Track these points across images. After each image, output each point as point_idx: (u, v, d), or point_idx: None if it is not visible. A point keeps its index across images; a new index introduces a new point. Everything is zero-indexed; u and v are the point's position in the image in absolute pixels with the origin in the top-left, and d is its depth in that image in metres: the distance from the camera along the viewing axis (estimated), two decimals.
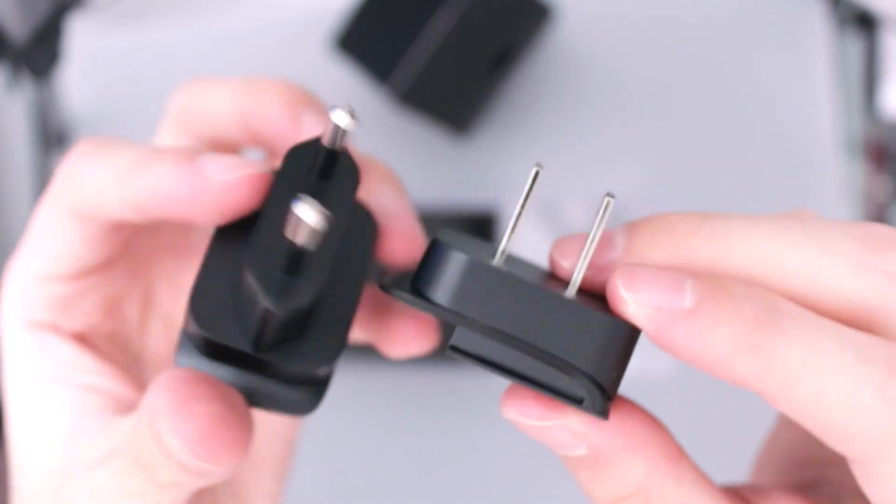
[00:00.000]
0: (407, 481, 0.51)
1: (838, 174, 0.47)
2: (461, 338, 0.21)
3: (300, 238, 0.19)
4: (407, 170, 0.53)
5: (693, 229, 0.20)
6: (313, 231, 0.19)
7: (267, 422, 0.28)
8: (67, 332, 0.26)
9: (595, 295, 0.21)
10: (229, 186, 0.22)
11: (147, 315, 0.28)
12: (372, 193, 0.26)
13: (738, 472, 0.26)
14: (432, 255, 0.20)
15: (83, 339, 0.26)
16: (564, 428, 0.21)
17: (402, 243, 0.26)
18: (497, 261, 0.20)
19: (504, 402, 0.21)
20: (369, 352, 0.48)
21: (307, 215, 0.19)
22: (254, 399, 0.24)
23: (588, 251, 0.20)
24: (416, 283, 0.21)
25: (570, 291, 0.21)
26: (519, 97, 0.49)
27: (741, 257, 0.20)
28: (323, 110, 0.25)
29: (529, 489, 0.49)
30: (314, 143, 0.22)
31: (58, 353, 0.25)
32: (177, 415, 0.22)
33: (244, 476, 0.28)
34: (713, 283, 0.19)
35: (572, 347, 0.20)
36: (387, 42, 0.45)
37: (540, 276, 0.22)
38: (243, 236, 0.22)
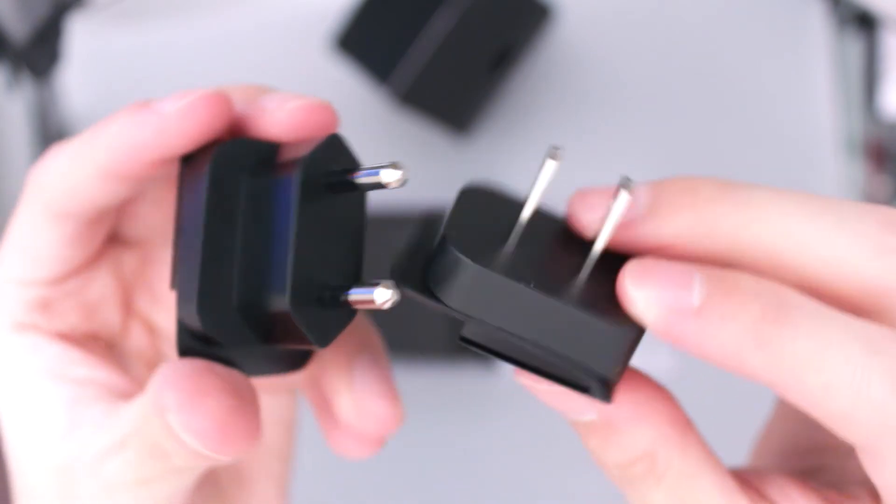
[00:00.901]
0: (407, 481, 0.51)
1: (838, 174, 0.47)
2: (471, 330, 0.21)
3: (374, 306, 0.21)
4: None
5: (717, 195, 0.21)
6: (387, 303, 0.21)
7: (264, 404, 0.28)
8: (51, 332, 0.26)
9: (611, 264, 0.21)
10: (186, 112, 0.23)
11: (127, 318, 0.28)
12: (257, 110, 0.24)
13: (739, 459, 0.26)
14: (441, 255, 0.21)
15: (66, 337, 0.26)
16: (576, 393, 0.21)
17: (297, 115, 0.24)
18: (512, 242, 0.21)
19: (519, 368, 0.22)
20: None
21: (384, 296, 0.21)
22: (250, 367, 0.24)
23: (603, 238, 0.21)
24: (426, 275, 0.21)
25: (584, 274, 0.21)
26: (519, 97, 0.49)
27: (762, 229, 0.20)
28: (277, 92, 0.25)
29: (529, 488, 0.49)
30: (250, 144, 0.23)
31: (47, 351, 0.26)
32: (187, 411, 0.22)
33: (246, 459, 0.29)
34: (721, 277, 0.20)
35: (577, 349, 0.20)
36: (387, 42, 0.45)
37: (556, 242, 0.22)
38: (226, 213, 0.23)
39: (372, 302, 0.21)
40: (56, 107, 0.55)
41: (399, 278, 0.21)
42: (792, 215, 0.20)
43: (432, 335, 0.48)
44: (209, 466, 0.24)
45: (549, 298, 0.20)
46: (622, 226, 0.21)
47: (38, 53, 0.47)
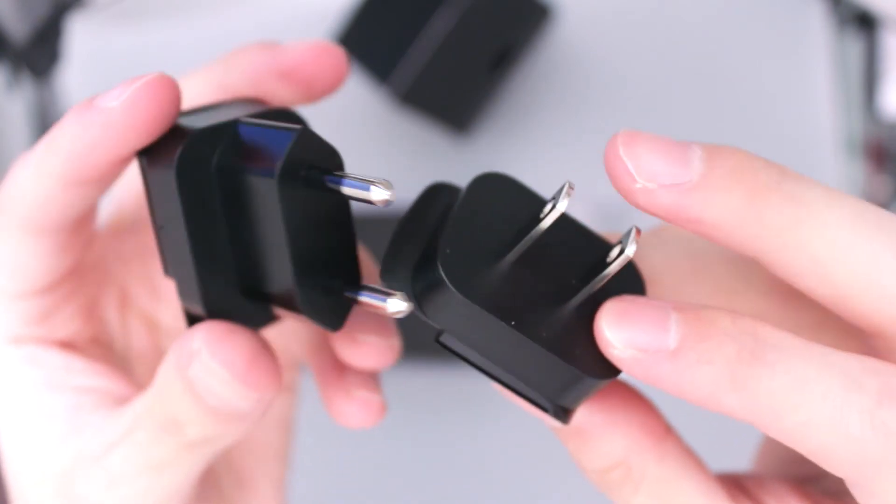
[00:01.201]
0: (406, 481, 0.51)
1: (838, 174, 0.47)
2: (448, 338, 0.21)
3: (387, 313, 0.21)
4: (407, 170, 0.53)
5: (774, 183, 0.20)
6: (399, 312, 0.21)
7: None
8: (52, 341, 0.26)
9: (609, 288, 0.21)
10: (129, 105, 0.22)
11: (126, 317, 0.28)
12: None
13: (743, 463, 0.26)
14: (429, 272, 0.21)
15: (69, 345, 0.26)
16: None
17: (318, 64, 0.26)
18: (512, 257, 0.21)
19: None
20: None
21: (397, 307, 0.21)
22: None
23: (597, 282, 0.21)
24: (415, 276, 0.21)
25: (577, 300, 0.21)
26: (519, 97, 0.49)
27: (812, 234, 0.20)
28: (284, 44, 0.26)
29: (529, 488, 0.49)
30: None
31: (46, 362, 0.26)
32: (219, 346, 0.22)
33: (246, 461, 0.29)
34: (697, 317, 0.19)
35: (546, 385, 0.21)
36: (387, 42, 0.45)
37: (560, 255, 0.22)
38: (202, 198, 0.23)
39: (384, 310, 0.21)
40: (56, 107, 0.55)
41: (387, 277, 0.21)
42: (844, 225, 0.20)
43: (432, 335, 0.48)
44: (218, 450, 0.24)
45: (526, 338, 0.20)
46: (668, 186, 0.20)
47: (38, 53, 0.47)
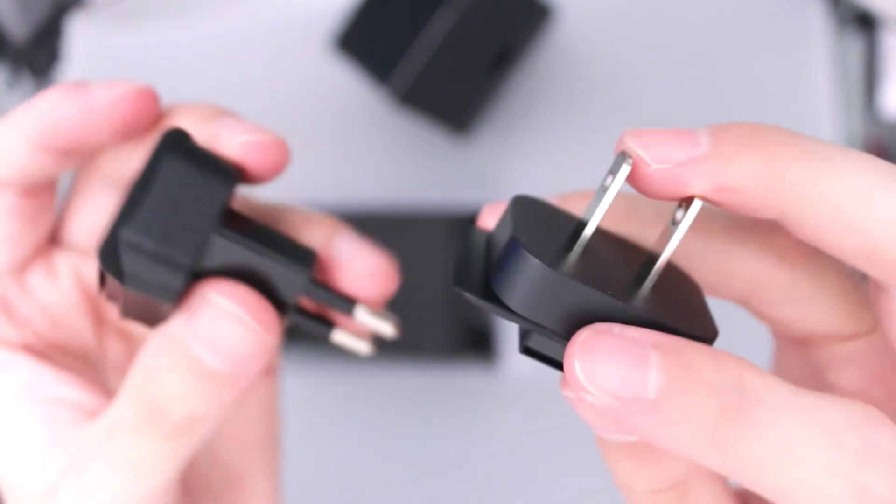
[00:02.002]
0: (406, 480, 0.51)
1: None
2: (536, 342, 0.20)
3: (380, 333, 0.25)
4: (407, 170, 0.53)
5: (787, 141, 0.19)
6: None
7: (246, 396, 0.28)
8: (17, 344, 0.26)
9: (670, 278, 0.21)
10: (115, 100, 0.24)
11: (101, 331, 0.27)
12: (330, 243, 0.26)
13: None
14: (509, 257, 0.20)
15: (35, 351, 0.26)
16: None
17: (372, 280, 0.26)
18: (576, 253, 0.20)
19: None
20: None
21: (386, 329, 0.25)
22: None
23: (669, 251, 0.20)
24: (490, 281, 0.20)
25: (647, 286, 0.20)
26: (519, 97, 0.49)
27: (833, 185, 0.19)
28: (232, 120, 0.25)
29: (529, 488, 0.49)
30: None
31: (15, 370, 0.25)
32: (231, 288, 0.23)
33: (233, 455, 0.28)
34: (679, 362, 0.18)
35: None
36: (387, 42, 0.45)
37: (614, 256, 0.21)
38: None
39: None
40: None
41: (462, 286, 0.20)
42: (864, 175, 0.19)
43: (432, 335, 0.48)
44: (200, 435, 0.23)
45: (621, 303, 0.19)
46: (680, 163, 0.19)
47: (38, 53, 0.47)
